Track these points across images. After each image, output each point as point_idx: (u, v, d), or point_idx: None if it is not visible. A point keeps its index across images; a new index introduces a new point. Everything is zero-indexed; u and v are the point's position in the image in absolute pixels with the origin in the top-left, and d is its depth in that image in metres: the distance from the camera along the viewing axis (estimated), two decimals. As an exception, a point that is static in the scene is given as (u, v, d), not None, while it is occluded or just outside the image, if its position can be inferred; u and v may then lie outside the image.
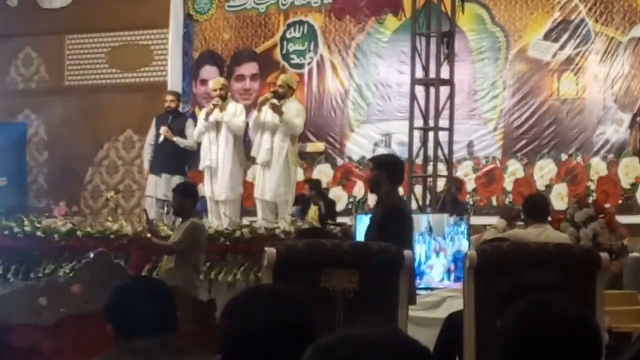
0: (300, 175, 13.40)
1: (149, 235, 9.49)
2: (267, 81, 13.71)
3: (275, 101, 11.61)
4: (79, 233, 11.53)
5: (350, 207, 13.24)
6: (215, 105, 11.85)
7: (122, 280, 3.59)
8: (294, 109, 11.69)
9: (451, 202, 11.15)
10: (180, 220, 9.70)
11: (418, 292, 9.11)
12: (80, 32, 15.32)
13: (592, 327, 2.46)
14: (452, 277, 9.48)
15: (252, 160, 12.14)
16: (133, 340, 3.30)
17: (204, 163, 12.02)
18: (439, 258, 9.59)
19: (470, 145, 12.98)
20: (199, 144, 12.35)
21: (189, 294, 8.75)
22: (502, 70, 12.95)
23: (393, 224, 7.06)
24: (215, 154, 11.87)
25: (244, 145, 12.21)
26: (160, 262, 10.90)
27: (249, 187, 12.25)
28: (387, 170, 7.40)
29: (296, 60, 13.99)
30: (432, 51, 11.40)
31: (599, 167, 12.38)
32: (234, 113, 11.92)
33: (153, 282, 3.76)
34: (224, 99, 11.95)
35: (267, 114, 11.70)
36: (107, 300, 3.45)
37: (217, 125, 11.89)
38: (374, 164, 7.64)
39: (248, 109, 12.51)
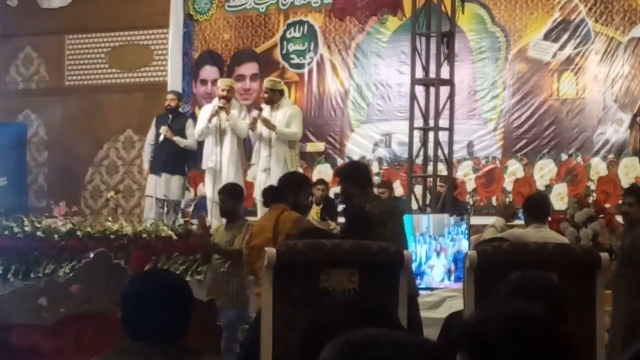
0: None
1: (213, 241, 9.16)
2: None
3: (264, 116, 11.62)
4: (79, 233, 11.51)
5: (350, 207, 13.23)
6: (221, 108, 11.79)
7: (143, 273, 3.36)
8: (285, 117, 11.66)
9: (451, 202, 11.15)
10: (222, 221, 9.43)
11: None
12: (80, 32, 15.32)
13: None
14: (453, 277, 9.48)
15: (252, 161, 12.17)
16: (136, 341, 3.26)
17: (206, 164, 12.02)
18: (439, 258, 9.59)
19: (470, 145, 12.97)
20: (200, 144, 12.35)
21: (244, 297, 8.75)
22: (502, 70, 12.95)
23: (350, 225, 7.22)
24: (219, 156, 11.85)
25: (244, 145, 12.21)
26: (159, 262, 10.91)
27: (248, 187, 12.25)
28: (348, 179, 7.53)
29: (296, 60, 13.99)
30: (432, 51, 11.39)
31: (599, 167, 12.38)
32: (238, 116, 11.92)
33: (175, 282, 3.39)
34: (229, 100, 11.93)
35: (263, 128, 11.72)
36: (123, 288, 3.33)
37: (221, 127, 11.88)
38: (339, 177, 7.80)
39: (248, 109, 12.52)
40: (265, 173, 11.70)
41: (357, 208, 7.33)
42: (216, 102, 11.99)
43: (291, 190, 7.85)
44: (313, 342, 2.29)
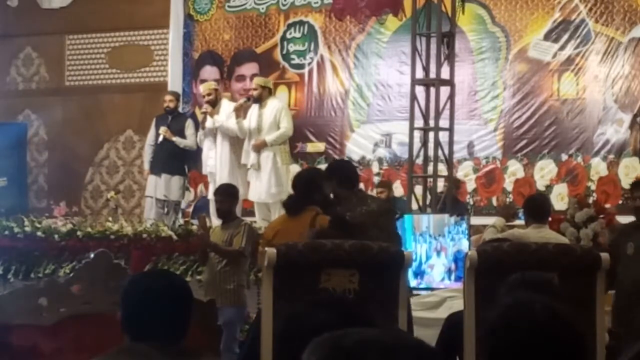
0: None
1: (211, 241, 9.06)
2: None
3: (255, 143, 11.67)
4: (79, 233, 11.52)
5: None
6: (205, 113, 11.98)
7: (143, 273, 3.39)
8: (272, 113, 11.74)
9: (451, 202, 11.15)
10: (215, 221, 9.42)
11: (418, 292, 9.14)
12: (80, 32, 15.32)
13: (573, 331, 2.44)
14: (453, 277, 9.48)
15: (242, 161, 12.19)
16: (135, 341, 3.26)
17: (205, 169, 12.15)
18: (439, 258, 9.59)
19: (470, 145, 12.97)
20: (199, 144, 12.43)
21: (242, 295, 8.80)
22: (502, 70, 12.95)
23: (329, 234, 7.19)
24: (213, 159, 11.95)
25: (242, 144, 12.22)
26: (159, 262, 10.91)
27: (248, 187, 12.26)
28: (335, 177, 7.49)
29: (296, 60, 13.99)
30: (432, 51, 11.39)
31: (599, 167, 12.38)
32: (226, 114, 11.96)
33: (175, 283, 3.40)
34: (213, 104, 12.02)
35: (252, 120, 11.78)
36: (123, 288, 3.35)
37: (214, 130, 12.00)
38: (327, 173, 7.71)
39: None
40: (255, 171, 11.76)
41: (337, 217, 7.11)
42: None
43: (315, 191, 7.61)
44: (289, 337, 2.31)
